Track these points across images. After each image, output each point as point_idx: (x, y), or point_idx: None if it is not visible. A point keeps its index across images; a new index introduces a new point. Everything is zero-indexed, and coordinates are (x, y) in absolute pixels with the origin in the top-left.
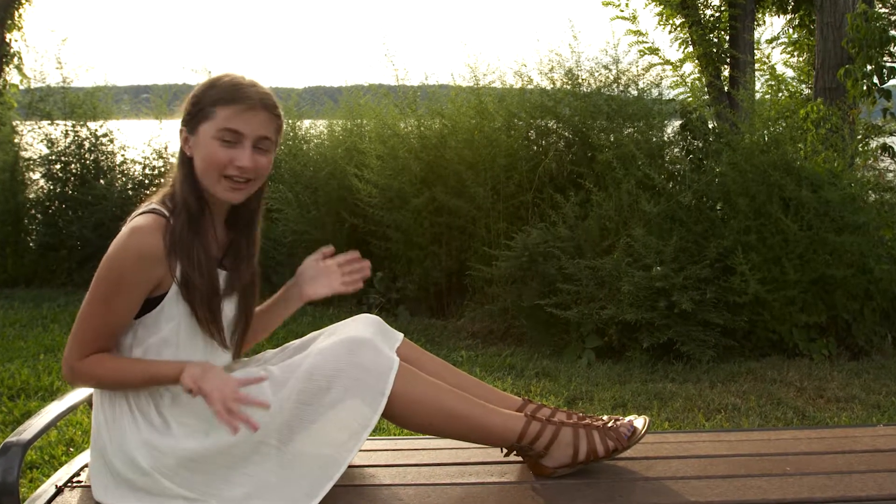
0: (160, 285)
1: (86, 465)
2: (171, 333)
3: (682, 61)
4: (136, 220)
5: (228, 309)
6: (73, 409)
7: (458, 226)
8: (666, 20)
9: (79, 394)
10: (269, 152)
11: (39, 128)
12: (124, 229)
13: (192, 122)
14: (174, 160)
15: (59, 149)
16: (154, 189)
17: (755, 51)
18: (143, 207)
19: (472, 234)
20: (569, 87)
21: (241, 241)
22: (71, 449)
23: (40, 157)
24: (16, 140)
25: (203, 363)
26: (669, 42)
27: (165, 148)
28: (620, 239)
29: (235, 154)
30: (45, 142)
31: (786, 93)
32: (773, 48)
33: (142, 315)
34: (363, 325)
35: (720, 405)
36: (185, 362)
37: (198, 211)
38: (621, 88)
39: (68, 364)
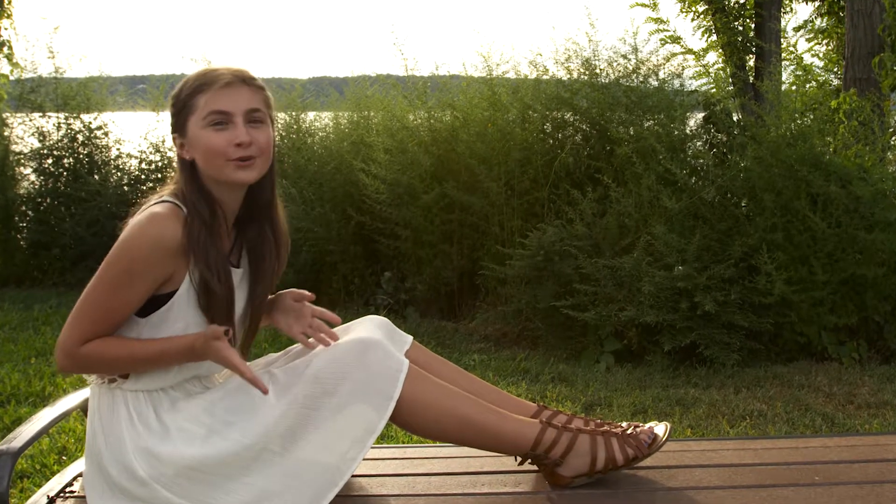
0: (170, 281)
1: (79, 475)
2: (179, 333)
3: (706, 50)
4: (155, 207)
5: (238, 307)
6: (65, 415)
7: (471, 223)
8: (688, 7)
9: (72, 399)
10: (264, 124)
11: (30, 120)
12: (141, 215)
13: (179, 123)
14: (172, 154)
15: (52, 142)
16: (151, 185)
17: (781, 39)
18: (158, 198)
19: (485, 231)
20: (586, 77)
21: (265, 228)
22: (64, 457)
23: (31, 151)
24: (5, 133)
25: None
26: (692, 30)
27: (163, 141)
28: (640, 237)
29: (230, 134)
30: (36, 135)
31: (814, 84)
32: (799, 37)
33: (150, 314)
34: (371, 327)
35: (745, 411)
36: (191, 335)
37: (210, 215)
38: (641, 79)
39: (65, 350)
